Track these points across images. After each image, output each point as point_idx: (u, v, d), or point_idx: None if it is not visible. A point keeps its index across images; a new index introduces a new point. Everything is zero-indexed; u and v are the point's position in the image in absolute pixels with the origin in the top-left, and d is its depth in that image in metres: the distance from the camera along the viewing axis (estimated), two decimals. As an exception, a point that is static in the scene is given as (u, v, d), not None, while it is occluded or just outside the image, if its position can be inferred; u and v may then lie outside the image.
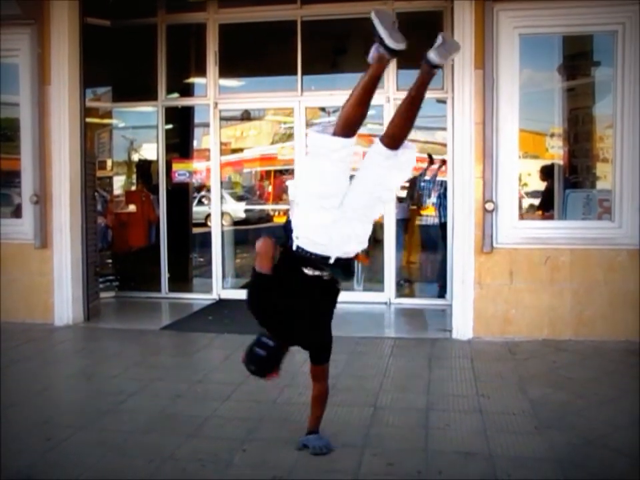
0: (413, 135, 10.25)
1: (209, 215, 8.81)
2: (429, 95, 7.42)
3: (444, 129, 7.38)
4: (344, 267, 3.23)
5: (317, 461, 3.33)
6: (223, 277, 7.88)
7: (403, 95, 7.57)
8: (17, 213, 6.85)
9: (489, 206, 5.73)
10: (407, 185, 8.80)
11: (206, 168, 8.53)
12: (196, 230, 9.77)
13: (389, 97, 7.20)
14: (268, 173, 11.56)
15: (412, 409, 4.08)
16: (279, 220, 10.39)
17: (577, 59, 6.65)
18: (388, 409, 4.11)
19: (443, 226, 7.56)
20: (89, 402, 4.43)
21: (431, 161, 8.68)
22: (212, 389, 4.56)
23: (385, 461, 3.33)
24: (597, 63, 6.54)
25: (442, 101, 7.27)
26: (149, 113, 8.41)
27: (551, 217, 6.35)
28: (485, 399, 4.27)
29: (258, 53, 8.11)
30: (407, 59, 7.41)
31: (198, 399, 4.38)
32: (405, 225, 8.54)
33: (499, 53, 5.72)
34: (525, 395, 4.34)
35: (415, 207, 8.98)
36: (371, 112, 9.56)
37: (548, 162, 6.80)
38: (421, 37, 7.20)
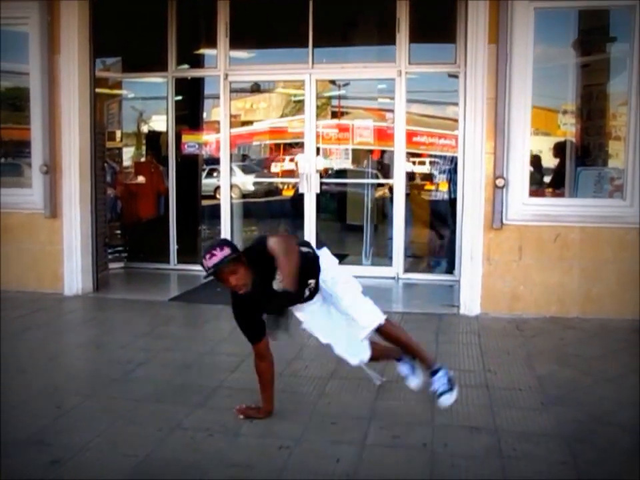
0: (423, 109, 10.11)
1: (217, 187, 8.79)
2: (441, 69, 7.43)
3: (455, 104, 7.31)
4: None
5: (323, 432, 3.37)
6: (232, 249, 7.87)
7: (415, 68, 7.56)
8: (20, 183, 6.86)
9: (500, 182, 5.70)
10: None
11: (215, 140, 8.50)
12: (205, 202, 9.76)
13: (400, 71, 7.13)
14: (277, 145, 11.51)
15: (418, 383, 4.11)
16: (288, 193, 10.38)
17: (593, 34, 6.53)
18: (394, 382, 4.13)
19: (452, 202, 7.53)
20: (97, 371, 4.48)
21: None
22: (220, 360, 4.60)
23: (391, 433, 3.36)
24: (613, 39, 6.43)
25: (454, 76, 7.19)
26: (159, 84, 8.37)
27: (561, 195, 6.31)
28: (491, 375, 4.28)
29: (269, 25, 8.02)
30: (419, 32, 7.36)
31: (206, 369, 4.42)
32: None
33: (513, 27, 5.63)
34: (531, 371, 4.35)
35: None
36: (381, 86, 9.52)
37: (560, 139, 6.73)
38: (434, 9, 7.16)
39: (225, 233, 7.75)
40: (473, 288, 5.84)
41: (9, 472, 2.90)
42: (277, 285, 3.16)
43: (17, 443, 3.20)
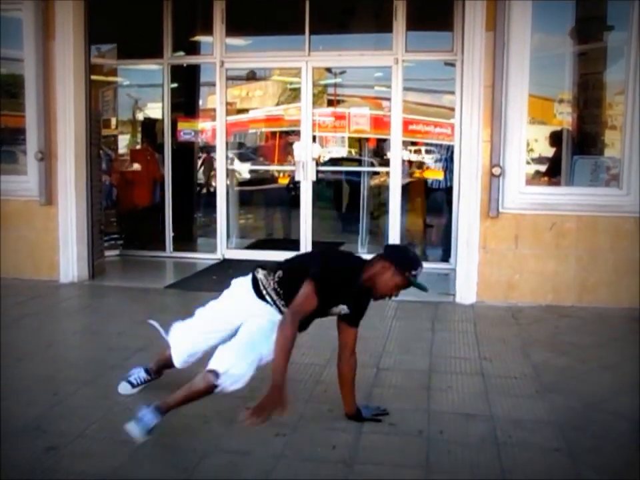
0: (420, 98, 10.11)
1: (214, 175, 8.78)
2: (438, 57, 7.41)
3: (452, 92, 7.29)
4: None
5: (319, 420, 3.38)
6: (228, 236, 7.88)
7: (411, 56, 7.52)
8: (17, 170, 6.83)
9: (496, 170, 5.70)
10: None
11: (211, 128, 8.48)
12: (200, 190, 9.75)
13: (397, 59, 7.11)
14: (273, 133, 11.47)
15: (414, 371, 4.13)
16: (283, 181, 10.36)
17: (590, 22, 6.52)
18: (391, 370, 4.16)
19: (448, 190, 7.53)
20: (94, 358, 4.48)
21: None
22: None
23: (387, 420, 3.37)
24: (610, 27, 6.42)
25: (451, 64, 7.17)
26: (154, 71, 8.33)
27: (557, 183, 6.31)
28: (487, 362, 4.30)
29: (265, 12, 7.97)
30: (416, 20, 7.32)
31: (202, 357, 4.41)
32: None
33: (510, 15, 5.61)
34: (527, 359, 4.38)
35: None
36: (378, 74, 9.49)
37: (556, 128, 6.73)
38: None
39: (221, 221, 7.75)
40: (468, 276, 5.86)
41: (5, 458, 2.90)
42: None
43: (14, 429, 3.20)
